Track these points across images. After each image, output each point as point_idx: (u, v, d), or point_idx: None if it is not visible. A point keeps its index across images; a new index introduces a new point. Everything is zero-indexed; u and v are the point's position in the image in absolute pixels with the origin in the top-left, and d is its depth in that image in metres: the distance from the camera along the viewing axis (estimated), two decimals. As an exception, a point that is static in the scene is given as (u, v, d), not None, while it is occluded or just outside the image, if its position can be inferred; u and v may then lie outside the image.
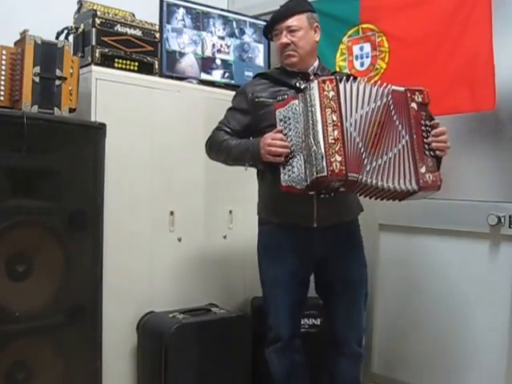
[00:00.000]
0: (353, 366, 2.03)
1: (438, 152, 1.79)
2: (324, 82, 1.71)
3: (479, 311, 2.32)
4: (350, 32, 2.63)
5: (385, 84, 1.80)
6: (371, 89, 1.77)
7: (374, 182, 1.74)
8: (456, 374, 2.39)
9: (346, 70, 2.62)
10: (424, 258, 2.49)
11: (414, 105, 1.77)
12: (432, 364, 2.46)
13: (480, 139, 2.37)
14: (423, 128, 1.78)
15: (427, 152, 1.77)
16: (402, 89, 1.80)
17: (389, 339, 2.62)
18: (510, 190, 2.26)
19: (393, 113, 1.78)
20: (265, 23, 2.75)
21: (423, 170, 1.74)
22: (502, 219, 2.22)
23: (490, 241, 2.29)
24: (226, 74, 2.75)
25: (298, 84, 1.95)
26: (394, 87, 1.79)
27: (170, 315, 2.27)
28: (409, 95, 1.78)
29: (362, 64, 2.60)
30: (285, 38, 1.96)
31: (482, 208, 2.27)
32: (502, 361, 2.24)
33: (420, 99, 1.79)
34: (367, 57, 2.58)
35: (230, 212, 2.63)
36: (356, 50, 2.62)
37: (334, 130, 1.68)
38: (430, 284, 2.47)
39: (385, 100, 1.77)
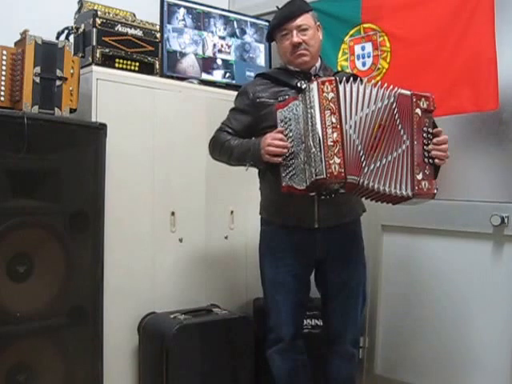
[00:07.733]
0: (345, 365, 2.03)
1: (436, 160, 1.78)
2: (323, 83, 1.70)
3: (482, 312, 2.31)
4: (351, 32, 2.62)
5: (389, 86, 1.77)
6: (371, 90, 1.75)
7: (371, 184, 1.73)
8: (459, 374, 2.38)
9: (348, 70, 2.61)
10: (427, 259, 2.48)
11: (418, 111, 1.75)
12: (435, 365, 2.45)
13: (483, 139, 2.36)
14: (425, 135, 1.77)
15: (426, 159, 1.76)
16: (408, 92, 1.77)
17: (392, 340, 2.62)
18: (514, 190, 2.26)
19: (396, 116, 1.76)
20: (266, 23, 2.77)
21: (420, 176, 1.74)
22: (506, 219, 2.22)
23: (494, 241, 2.28)
24: (227, 74, 2.74)
25: (299, 84, 1.94)
26: (400, 90, 1.76)
27: (172, 316, 2.26)
28: (414, 100, 1.76)
29: (363, 64, 2.60)
30: (296, 38, 1.93)
31: (485, 208, 2.26)
32: (506, 361, 2.24)
33: (425, 106, 1.76)
34: (369, 56, 2.57)
35: (232, 212, 2.63)
36: (358, 49, 2.61)
37: (333, 132, 1.68)
38: (433, 285, 2.46)
39: (386, 102, 1.75)
